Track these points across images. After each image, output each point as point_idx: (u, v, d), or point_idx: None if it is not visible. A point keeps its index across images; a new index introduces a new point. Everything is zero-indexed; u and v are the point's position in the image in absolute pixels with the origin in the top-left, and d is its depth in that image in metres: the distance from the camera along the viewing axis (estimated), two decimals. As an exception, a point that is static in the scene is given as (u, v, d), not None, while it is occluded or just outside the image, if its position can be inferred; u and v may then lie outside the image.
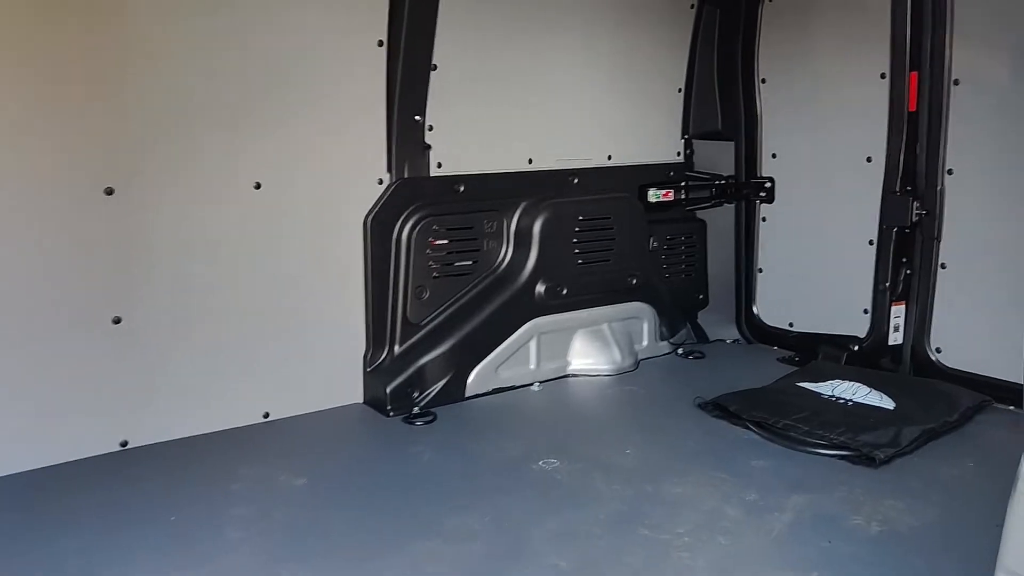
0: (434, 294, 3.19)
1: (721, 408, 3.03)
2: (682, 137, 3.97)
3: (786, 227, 3.90)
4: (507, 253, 3.37)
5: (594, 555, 2.11)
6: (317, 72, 2.90)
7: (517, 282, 3.35)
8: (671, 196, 3.87)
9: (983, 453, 2.74)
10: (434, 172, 3.18)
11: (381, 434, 2.93)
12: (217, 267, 2.79)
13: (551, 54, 3.45)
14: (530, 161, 3.44)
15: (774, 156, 3.90)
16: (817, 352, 3.72)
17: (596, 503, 2.38)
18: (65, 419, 2.56)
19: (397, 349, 3.12)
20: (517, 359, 3.36)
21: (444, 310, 3.21)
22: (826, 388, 3.14)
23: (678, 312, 3.95)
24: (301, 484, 2.49)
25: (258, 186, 2.83)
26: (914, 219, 3.40)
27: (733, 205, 4.03)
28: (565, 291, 3.45)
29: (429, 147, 3.17)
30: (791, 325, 3.92)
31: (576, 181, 3.56)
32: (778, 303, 3.97)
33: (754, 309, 4.05)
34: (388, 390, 3.05)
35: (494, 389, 3.28)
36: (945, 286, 3.36)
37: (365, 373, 3.12)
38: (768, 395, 3.12)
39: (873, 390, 3.07)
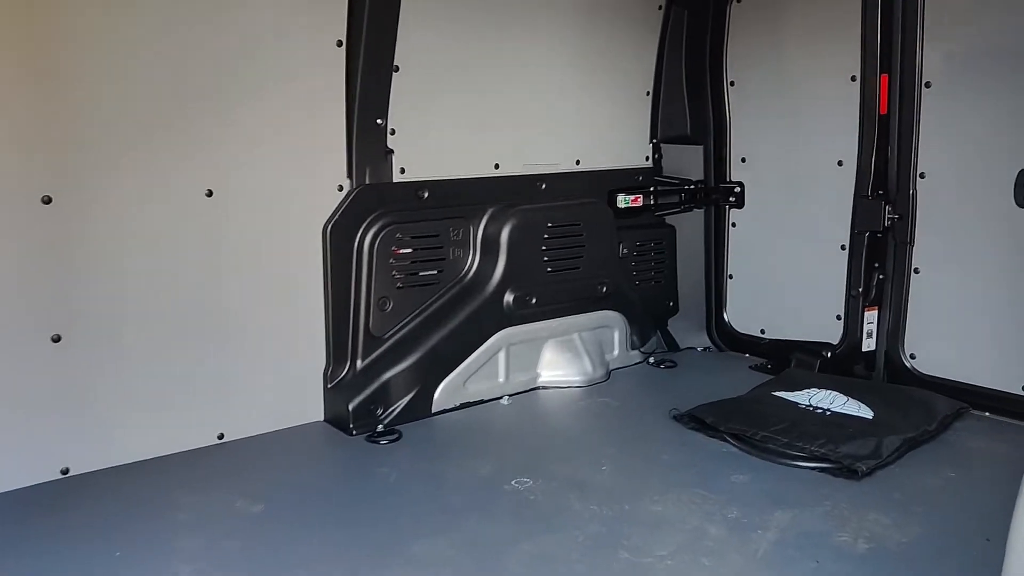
0: (398, 305, 3.05)
1: (697, 420, 2.94)
2: (650, 141, 3.89)
3: (756, 232, 3.84)
4: (474, 262, 3.24)
5: (573, 582, 2.00)
6: (273, 73, 2.76)
7: (485, 292, 3.22)
8: (640, 202, 3.78)
9: (963, 463, 2.69)
10: (397, 178, 3.05)
11: (344, 454, 2.78)
12: (166, 281, 2.63)
13: (517, 56, 3.34)
14: (497, 166, 3.33)
15: (743, 160, 3.84)
16: (789, 359, 3.66)
17: (573, 525, 2.26)
18: (1, 446, 2.37)
19: (359, 364, 2.97)
20: (485, 372, 3.23)
21: (409, 322, 3.08)
22: (803, 397, 3.07)
23: (648, 320, 3.86)
24: (258, 511, 2.33)
25: (210, 193, 2.67)
26: (886, 223, 3.36)
27: (702, 210, 3.97)
28: (534, 300, 3.33)
29: (391, 152, 3.03)
30: (762, 332, 3.86)
31: (544, 187, 3.46)
32: (749, 310, 3.91)
33: (724, 316, 3.99)
34: (350, 407, 2.90)
35: (462, 404, 3.15)
36: (919, 291, 3.33)
37: (326, 390, 2.98)
38: (744, 406, 3.04)
39: (850, 399, 3.01)
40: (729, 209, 3.90)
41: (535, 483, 2.51)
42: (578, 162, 3.59)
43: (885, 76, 3.29)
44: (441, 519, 2.30)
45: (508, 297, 3.26)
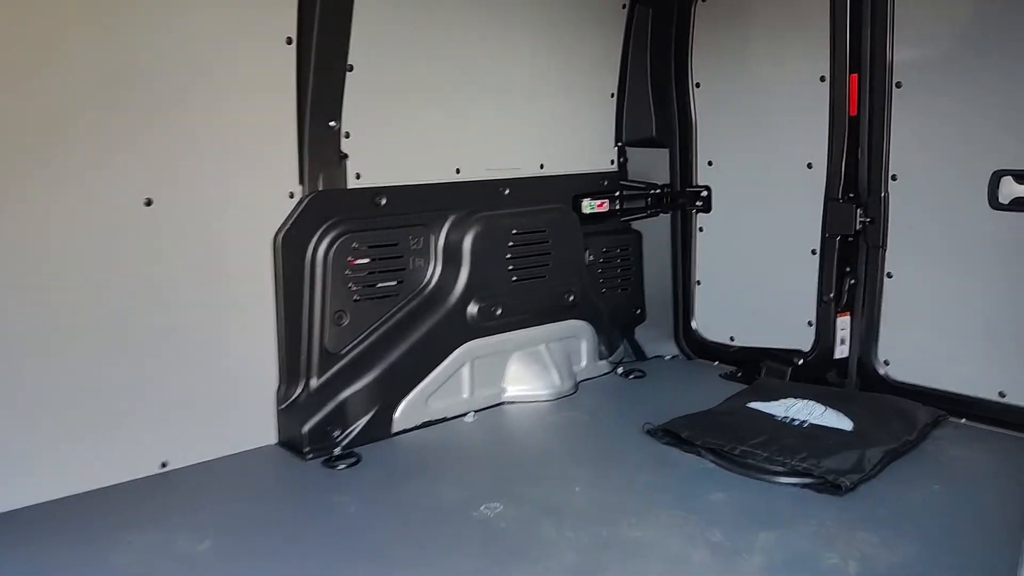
0: (355, 319, 2.87)
1: (672, 435, 2.82)
2: (615, 144, 3.76)
3: (724, 237, 3.74)
4: (435, 272, 3.08)
5: (552, 621, 1.85)
6: (217, 73, 2.56)
7: (447, 303, 3.06)
8: (606, 207, 3.65)
9: (946, 474, 2.61)
10: (352, 184, 2.88)
11: (298, 481, 2.59)
12: (101, 297, 2.41)
13: (479, 56, 3.18)
14: (458, 171, 3.17)
15: (710, 164, 3.74)
16: (760, 367, 3.57)
17: (548, 555, 2.12)
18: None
19: (314, 383, 2.79)
20: (449, 388, 3.07)
21: (366, 337, 2.90)
22: (779, 408, 2.96)
23: (616, 329, 3.74)
24: (204, 549, 2.13)
25: (149, 203, 2.47)
26: (858, 227, 3.28)
27: (669, 215, 3.86)
28: (499, 311, 3.18)
29: (346, 156, 2.86)
30: (732, 339, 3.77)
31: (507, 192, 3.31)
32: (718, 317, 3.82)
33: (693, 323, 3.89)
34: (305, 429, 2.72)
35: (425, 423, 2.99)
36: (892, 296, 3.25)
37: (278, 411, 2.78)
38: (720, 418, 2.92)
39: (828, 409, 2.92)
40: (696, 213, 3.80)
41: (505, 509, 2.35)
42: (542, 166, 3.45)
43: (855, 76, 3.21)
44: (405, 553, 2.13)
45: (472, 308, 3.11)
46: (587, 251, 3.58)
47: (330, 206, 2.81)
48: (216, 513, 2.33)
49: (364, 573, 2.04)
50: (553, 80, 3.46)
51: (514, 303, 3.24)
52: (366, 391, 2.85)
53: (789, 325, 3.52)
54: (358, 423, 2.82)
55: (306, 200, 2.77)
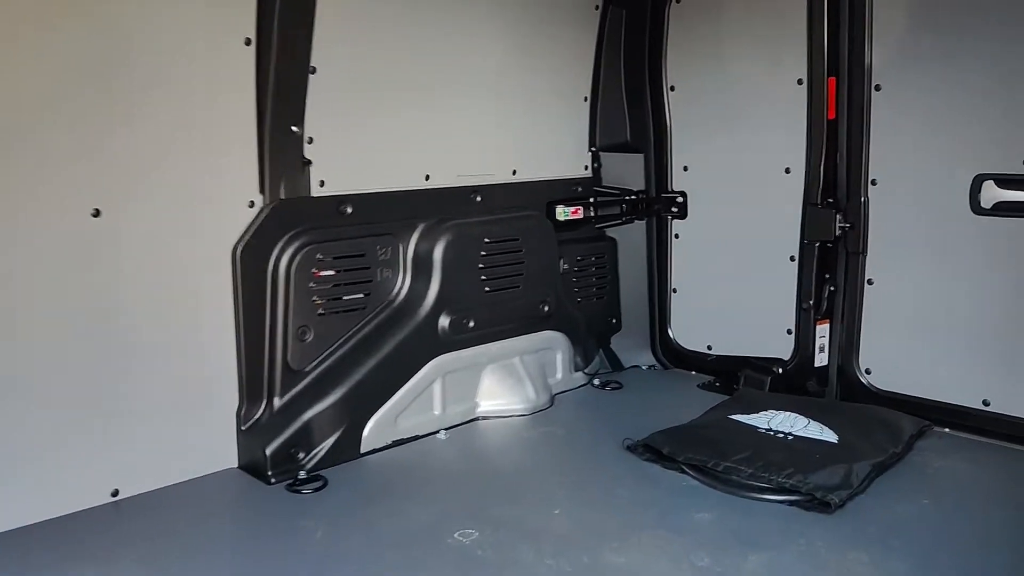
0: (320, 335, 2.73)
1: (652, 450, 2.71)
2: (589, 149, 3.66)
3: (701, 244, 3.66)
4: (404, 283, 2.95)
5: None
6: (170, 76, 2.41)
7: (417, 316, 2.93)
8: (580, 213, 3.55)
9: (934, 488, 2.53)
10: (316, 192, 2.74)
11: (261, 507, 2.44)
12: (45, 314, 2.25)
13: (448, 58, 3.06)
14: (427, 177, 3.04)
15: (686, 169, 3.66)
16: (738, 376, 3.49)
17: (527, 584, 2.00)
18: None
19: (277, 402, 2.64)
20: (420, 405, 2.94)
21: (332, 353, 2.76)
22: (761, 421, 2.88)
23: (592, 339, 3.64)
24: (158, 586, 1.99)
25: (97, 213, 2.31)
26: (837, 233, 3.21)
27: (644, 222, 3.77)
28: (472, 323, 3.06)
29: (309, 163, 2.72)
30: (709, 348, 3.68)
31: (479, 199, 3.19)
32: (695, 325, 3.73)
33: (669, 332, 3.80)
34: (268, 452, 2.58)
35: (394, 442, 2.85)
36: (872, 303, 3.19)
37: (239, 432, 2.63)
38: (701, 432, 2.82)
39: (812, 421, 2.84)
40: (672, 220, 3.71)
41: (481, 534, 2.23)
42: (515, 172, 3.34)
43: (833, 79, 3.15)
44: (376, 585, 2.00)
45: (443, 321, 2.98)
46: (562, 259, 3.47)
47: (292, 215, 2.67)
48: (171, 544, 2.18)
49: (331, 609, 1.90)
50: (525, 83, 3.35)
51: (487, 314, 3.12)
52: (332, 410, 2.71)
53: (768, 333, 3.44)
54: (324, 444, 2.68)
55: (267, 209, 2.63)
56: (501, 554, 2.14)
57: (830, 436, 2.73)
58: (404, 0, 2.90)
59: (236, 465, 2.64)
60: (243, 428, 2.62)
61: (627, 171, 3.73)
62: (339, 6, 2.68)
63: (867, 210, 3.14)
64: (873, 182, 3.12)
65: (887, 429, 2.79)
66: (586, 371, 3.57)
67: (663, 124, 3.66)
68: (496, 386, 3.14)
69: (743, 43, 3.39)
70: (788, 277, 3.35)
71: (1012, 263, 2.81)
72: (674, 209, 3.69)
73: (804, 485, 2.39)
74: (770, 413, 2.93)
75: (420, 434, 2.92)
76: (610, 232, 3.78)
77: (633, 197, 3.71)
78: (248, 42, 2.54)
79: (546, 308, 3.31)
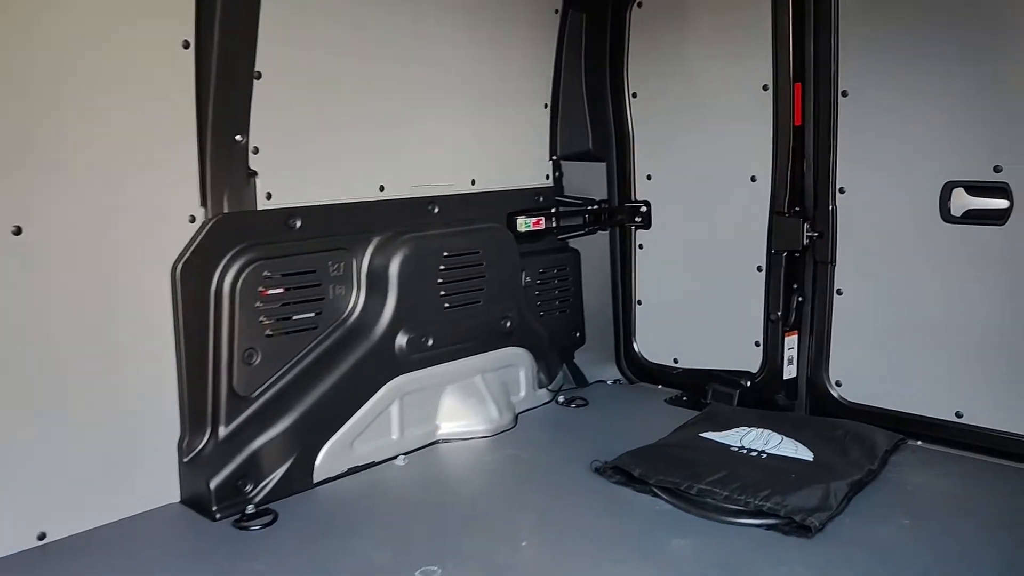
0: (268, 357, 2.55)
1: (622, 472, 2.59)
2: (550, 158, 3.54)
3: (666, 255, 3.56)
4: (358, 300, 2.78)
5: None
6: (100, 81, 2.22)
7: (372, 335, 2.77)
8: (542, 224, 3.43)
9: (913, 506, 2.44)
10: (263, 204, 2.57)
11: (205, 547, 2.25)
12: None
13: (402, 63, 2.91)
14: (381, 188, 2.89)
15: (649, 177, 3.57)
16: (706, 390, 3.40)
17: (496, 628, 1.85)
18: None
19: (222, 431, 2.46)
20: (376, 429, 2.78)
21: (282, 376, 2.58)
22: (734, 438, 2.78)
23: (555, 354, 3.51)
24: (88, 643, 1.79)
25: (18, 231, 2.11)
26: (805, 242, 3.15)
27: (607, 232, 3.67)
28: (430, 342, 2.90)
29: (255, 174, 2.55)
30: (675, 361, 3.59)
31: (436, 211, 3.05)
32: (660, 338, 3.64)
33: (634, 345, 3.70)
34: (212, 485, 2.39)
35: (350, 469, 2.69)
36: (842, 314, 3.12)
37: (181, 465, 2.44)
38: (672, 452, 2.71)
39: (785, 438, 2.74)
40: (635, 230, 3.62)
41: (444, 570, 2.08)
42: (473, 182, 3.20)
43: (799, 85, 3.08)
44: (331, 634, 1.84)
45: (400, 340, 2.82)
46: (523, 272, 3.34)
47: (237, 230, 2.50)
48: (104, 594, 1.99)
49: (281, 664, 1.73)
50: (483, 90, 3.21)
51: (446, 332, 2.97)
52: (282, 438, 2.53)
53: (735, 346, 3.36)
54: (274, 475, 2.50)
55: (209, 224, 2.45)
56: (466, 594, 1.99)
57: (805, 454, 2.64)
58: (357, 2, 2.74)
59: (178, 500, 2.45)
60: (185, 460, 2.44)
61: (589, 180, 3.63)
62: (286, 7, 2.52)
63: (835, 218, 3.07)
64: (841, 190, 3.06)
65: (862, 445, 2.71)
66: (550, 388, 3.44)
67: (626, 132, 3.57)
68: (457, 407, 2.99)
69: (707, 48, 3.30)
70: (755, 288, 3.28)
71: (983, 272, 2.76)
72: (638, 219, 3.60)
73: (782, 508, 2.28)
74: (742, 430, 2.83)
75: (377, 460, 2.76)
76: (573, 243, 3.66)
77: (596, 207, 3.61)
78: (186, 45, 2.36)
79: (508, 324, 3.17)
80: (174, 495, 2.45)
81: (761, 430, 2.81)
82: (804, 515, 2.25)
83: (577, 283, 3.66)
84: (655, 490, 2.49)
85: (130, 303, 2.33)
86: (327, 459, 2.63)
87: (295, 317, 2.63)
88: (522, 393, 3.29)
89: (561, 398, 3.42)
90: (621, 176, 3.61)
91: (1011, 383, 2.73)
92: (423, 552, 2.16)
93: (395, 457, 2.80)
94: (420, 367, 2.89)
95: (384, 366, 2.80)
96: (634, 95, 3.53)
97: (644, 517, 2.38)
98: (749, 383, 3.32)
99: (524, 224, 3.35)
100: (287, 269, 2.60)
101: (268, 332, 2.56)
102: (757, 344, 3.30)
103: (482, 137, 3.24)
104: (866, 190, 3.00)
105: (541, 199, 3.48)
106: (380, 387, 2.78)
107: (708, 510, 2.37)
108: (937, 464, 2.74)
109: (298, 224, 2.64)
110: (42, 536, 2.19)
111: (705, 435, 2.83)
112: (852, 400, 3.09)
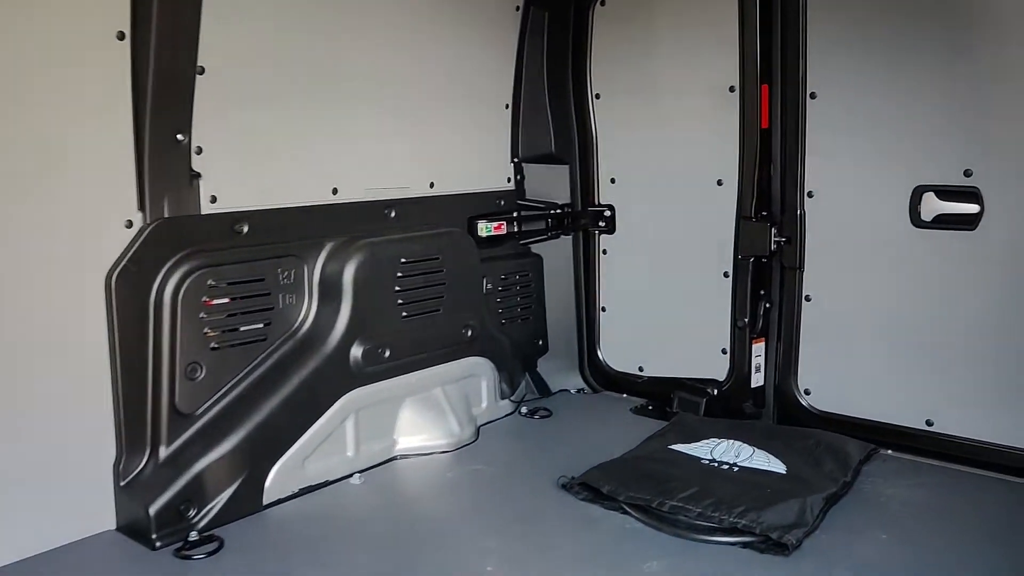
0: (213, 372, 2.39)
1: (590, 489, 2.48)
2: (512, 160, 3.43)
3: (630, 260, 3.48)
4: (310, 310, 2.64)
5: None
6: (24, 76, 2.04)
7: (326, 347, 2.62)
8: (503, 229, 3.31)
9: (888, 519, 2.38)
10: (207, 209, 2.41)
11: (143, 579, 2.08)
12: None
13: (357, 59, 2.77)
14: (335, 191, 2.75)
15: (613, 181, 3.48)
16: (672, 398, 3.32)
17: (461, 665, 1.72)
18: None
19: (163, 451, 2.29)
20: (330, 446, 2.63)
21: (228, 392, 2.43)
22: (704, 450, 2.69)
23: (518, 363, 3.39)
24: None
25: (-68, 237, 1.92)
26: (772, 247, 3.08)
27: (570, 237, 3.57)
28: (388, 353, 2.76)
29: (198, 176, 2.39)
30: (641, 369, 3.50)
31: (393, 215, 2.91)
32: (625, 345, 3.55)
33: (599, 353, 3.61)
34: (152, 511, 2.22)
35: (302, 489, 2.54)
36: (810, 320, 3.06)
37: (117, 488, 2.27)
38: (641, 465, 2.61)
39: (757, 449, 2.67)
40: (599, 235, 3.53)
41: (404, 601, 1.94)
42: (432, 185, 3.07)
43: (766, 86, 3.01)
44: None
45: (355, 351, 2.68)
46: (484, 279, 3.21)
47: (179, 236, 2.34)
48: (28, 636, 1.81)
49: None
50: (442, 89, 3.08)
51: (404, 342, 2.83)
52: (229, 458, 2.37)
53: (701, 353, 3.29)
54: (220, 498, 2.34)
55: (148, 229, 2.28)
56: (428, 626, 1.86)
57: (777, 466, 2.56)
58: (307, -7, 2.60)
59: (114, 527, 2.27)
60: (122, 484, 2.26)
61: (552, 183, 3.52)
62: (230, -3, 2.36)
63: (803, 223, 3.01)
64: (810, 194, 2.99)
65: (835, 456, 2.64)
66: (512, 398, 3.32)
67: (589, 134, 3.48)
68: (416, 421, 2.85)
69: (672, 48, 3.22)
70: (722, 294, 3.21)
71: (954, 278, 2.72)
72: (601, 223, 3.51)
73: (758, 525, 2.19)
74: (712, 442, 2.74)
75: (331, 479, 2.61)
76: (535, 248, 3.55)
77: (559, 211, 3.50)
78: (121, 36, 2.19)
79: (469, 333, 3.05)
80: (110, 522, 2.27)
81: (732, 441, 2.73)
82: (781, 532, 2.16)
83: (540, 290, 3.55)
84: (625, 507, 2.38)
85: (60, 316, 2.15)
86: (277, 479, 2.47)
87: (242, 328, 2.47)
88: (484, 404, 3.17)
89: (524, 409, 3.31)
90: (584, 179, 3.52)
91: (981, 391, 2.70)
92: (381, 580, 2.02)
93: (351, 475, 2.66)
94: (376, 380, 2.75)
95: (338, 379, 2.65)
96: (597, 96, 3.44)
97: (615, 537, 2.27)
98: (716, 391, 3.25)
99: (485, 229, 3.23)
100: (233, 277, 2.44)
101: (213, 345, 2.39)
102: (724, 351, 3.23)
103: (441, 138, 3.11)
104: (835, 194, 2.94)
105: (502, 203, 3.36)
106: (334, 401, 2.64)
107: (681, 528, 2.27)
108: (909, 474, 2.68)
109: (245, 229, 2.49)
110: (-39, 571, 2.01)
111: (674, 447, 2.74)
112: (821, 408, 3.03)
